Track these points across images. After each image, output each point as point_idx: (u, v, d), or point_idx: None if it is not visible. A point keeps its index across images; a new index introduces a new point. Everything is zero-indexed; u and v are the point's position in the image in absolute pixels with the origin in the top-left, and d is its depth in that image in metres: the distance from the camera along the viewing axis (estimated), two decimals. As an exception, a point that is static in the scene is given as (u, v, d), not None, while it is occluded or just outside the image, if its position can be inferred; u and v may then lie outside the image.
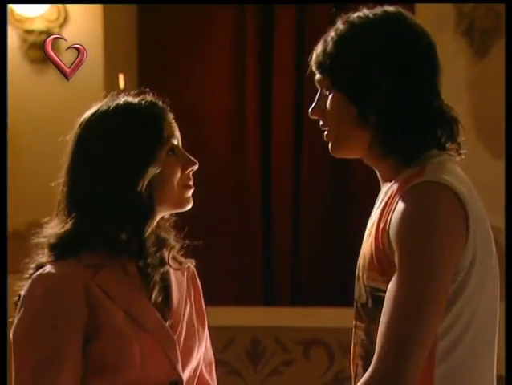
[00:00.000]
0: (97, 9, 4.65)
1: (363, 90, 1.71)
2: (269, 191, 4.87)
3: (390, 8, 1.76)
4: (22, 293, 1.81)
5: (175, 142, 1.84)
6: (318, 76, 1.78)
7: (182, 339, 1.86)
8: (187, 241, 1.92)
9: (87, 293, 1.78)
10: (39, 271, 1.80)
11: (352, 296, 1.78)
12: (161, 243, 1.87)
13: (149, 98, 1.86)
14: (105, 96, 1.87)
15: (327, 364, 4.70)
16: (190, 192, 1.86)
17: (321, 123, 1.80)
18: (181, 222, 1.92)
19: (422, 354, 1.62)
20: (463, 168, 1.78)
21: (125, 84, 4.41)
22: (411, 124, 1.72)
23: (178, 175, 1.83)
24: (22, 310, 1.78)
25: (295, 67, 4.79)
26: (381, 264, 1.68)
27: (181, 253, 1.92)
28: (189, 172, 1.85)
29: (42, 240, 1.83)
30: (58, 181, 1.85)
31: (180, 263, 1.91)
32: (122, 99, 1.85)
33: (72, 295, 1.77)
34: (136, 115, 1.83)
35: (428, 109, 1.73)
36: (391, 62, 1.72)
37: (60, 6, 4.63)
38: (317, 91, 1.82)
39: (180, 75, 4.84)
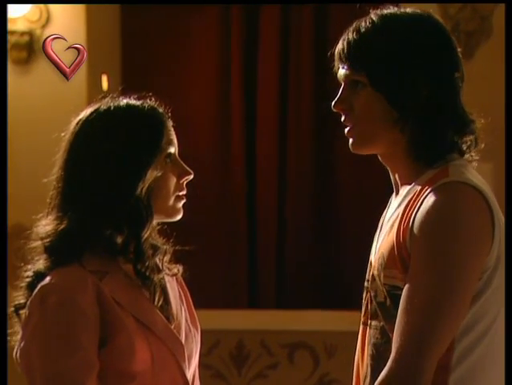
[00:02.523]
0: (80, 9, 4.62)
1: (406, 93, 1.68)
2: (254, 195, 4.86)
3: (419, 11, 1.74)
4: (28, 304, 1.77)
5: (172, 150, 1.83)
6: (347, 71, 1.73)
7: (184, 344, 1.85)
8: (176, 247, 1.91)
9: (99, 299, 1.75)
10: (46, 281, 1.76)
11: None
12: (154, 249, 1.85)
13: (151, 103, 1.84)
14: (100, 97, 1.84)
15: (312, 367, 4.69)
16: (182, 203, 1.84)
17: (343, 118, 1.75)
18: (168, 228, 1.90)
19: (439, 355, 1.62)
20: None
21: (108, 86, 4.39)
22: (447, 129, 1.71)
23: (173, 183, 1.82)
24: (32, 322, 1.74)
25: (280, 69, 4.78)
26: (403, 262, 1.67)
27: (171, 259, 1.90)
28: (184, 182, 1.84)
29: (37, 243, 1.79)
30: (51, 178, 1.82)
31: (170, 269, 1.90)
32: (123, 101, 1.83)
33: (87, 302, 1.74)
34: (137, 117, 1.81)
35: (462, 116, 1.73)
36: (436, 63, 1.70)
37: (43, 6, 4.60)
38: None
39: (163, 77, 4.82)
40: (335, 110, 1.76)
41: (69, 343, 1.72)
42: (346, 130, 1.76)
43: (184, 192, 1.84)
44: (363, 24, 1.72)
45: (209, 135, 4.86)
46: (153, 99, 1.84)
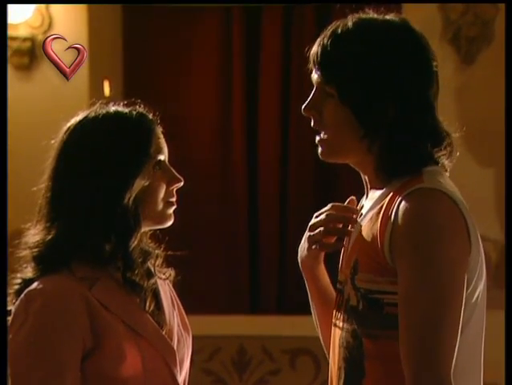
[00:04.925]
0: (82, 15, 4.62)
1: (373, 110, 1.67)
2: (255, 200, 4.86)
3: (395, 18, 1.71)
4: (13, 310, 1.76)
5: (162, 157, 1.82)
6: (318, 78, 1.72)
7: (176, 349, 1.84)
8: (169, 252, 1.90)
9: (87, 306, 1.74)
10: (32, 286, 1.75)
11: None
12: (145, 255, 1.84)
13: (140, 109, 1.83)
14: (90, 103, 1.84)
15: (314, 373, 4.68)
16: (172, 209, 1.83)
17: (313, 123, 1.75)
18: (168, 231, 1.90)
19: (452, 361, 1.60)
20: (450, 175, 1.77)
21: (110, 91, 4.39)
22: (417, 147, 1.70)
23: (163, 190, 1.81)
24: (14, 326, 1.74)
25: (282, 76, 4.79)
26: (379, 265, 1.66)
27: (163, 263, 1.89)
28: (173, 189, 1.82)
29: (26, 252, 1.79)
30: (40, 186, 1.82)
31: (162, 273, 1.89)
32: (112, 108, 1.82)
33: (71, 309, 1.73)
34: (126, 125, 1.80)
35: (435, 132, 1.71)
36: (404, 79, 1.68)
37: (44, 12, 4.60)
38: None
39: (165, 80, 4.82)
40: (304, 114, 1.75)
41: (47, 351, 1.71)
42: (317, 139, 1.75)
43: (174, 199, 1.82)
44: (339, 31, 1.70)
45: (210, 138, 4.86)
46: (142, 106, 1.83)
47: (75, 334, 1.73)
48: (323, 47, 1.70)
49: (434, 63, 1.72)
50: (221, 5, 4.78)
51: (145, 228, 1.84)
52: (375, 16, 1.72)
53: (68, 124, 1.82)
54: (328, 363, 1.80)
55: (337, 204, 1.80)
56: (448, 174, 1.74)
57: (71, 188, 1.78)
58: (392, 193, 1.70)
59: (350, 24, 1.70)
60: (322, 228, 1.79)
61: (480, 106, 4.31)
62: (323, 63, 1.70)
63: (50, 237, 1.77)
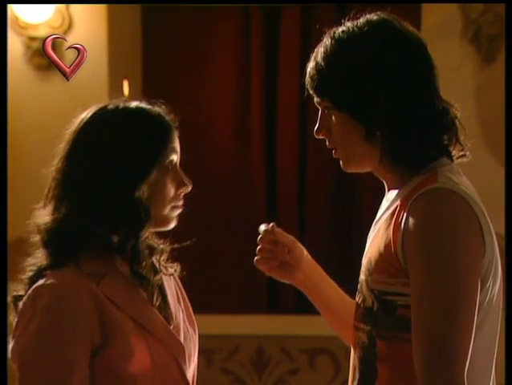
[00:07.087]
0: (101, 15, 4.64)
1: (367, 107, 1.70)
2: (274, 197, 4.86)
3: (373, 17, 1.75)
4: (20, 305, 1.76)
5: (174, 158, 1.82)
6: (316, 98, 1.78)
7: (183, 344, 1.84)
8: (177, 248, 1.89)
9: (95, 303, 1.74)
10: (40, 282, 1.75)
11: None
12: (150, 250, 1.85)
13: (160, 108, 1.83)
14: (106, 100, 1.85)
15: (333, 373, 4.67)
16: (177, 213, 1.83)
17: (327, 143, 1.80)
18: (185, 230, 1.90)
19: (466, 363, 1.60)
20: (470, 175, 1.76)
21: (130, 91, 4.40)
22: (416, 131, 1.71)
23: (171, 192, 1.81)
24: (22, 322, 1.74)
25: (300, 74, 4.78)
26: (393, 267, 1.67)
27: (168, 258, 1.90)
28: (181, 193, 1.83)
29: (37, 237, 1.79)
30: (51, 169, 1.82)
31: (167, 268, 1.89)
32: (133, 102, 1.82)
33: (79, 306, 1.73)
34: (145, 120, 1.81)
35: (431, 112, 1.72)
36: (387, 71, 1.71)
37: (64, 12, 4.62)
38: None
39: (184, 81, 4.83)
40: (317, 137, 1.81)
41: (55, 347, 1.71)
42: (333, 153, 1.81)
43: (180, 203, 1.83)
44: (320, 51, 1.76)
45: (229, 137, 4.86)
46: (163, 106, 1.83)
47: (82, 331, 1.72)
48: (309, 73, 1.78)
49: (414, 42, 1.73)
50: (239, 5, 4.78)
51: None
52: (350, 24, 1.76)
53: (86, 112, 1.81)
54: (348, 363, 1.80)
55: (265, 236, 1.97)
56: (465, 160, 1.74)
57: (83, 176, 1.77)
58: (406, 194, 1.71)
59: (326, 42, 1.76)
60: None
61: (500, 104, 4.29)
62: (313, 84, 1.77)
63: (58, 219, 1.75)
